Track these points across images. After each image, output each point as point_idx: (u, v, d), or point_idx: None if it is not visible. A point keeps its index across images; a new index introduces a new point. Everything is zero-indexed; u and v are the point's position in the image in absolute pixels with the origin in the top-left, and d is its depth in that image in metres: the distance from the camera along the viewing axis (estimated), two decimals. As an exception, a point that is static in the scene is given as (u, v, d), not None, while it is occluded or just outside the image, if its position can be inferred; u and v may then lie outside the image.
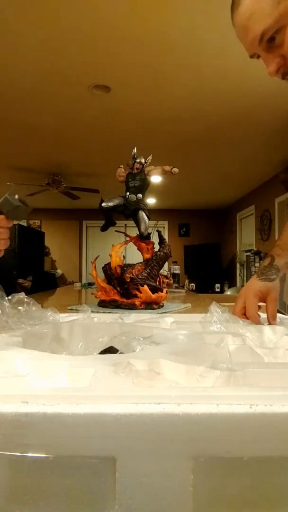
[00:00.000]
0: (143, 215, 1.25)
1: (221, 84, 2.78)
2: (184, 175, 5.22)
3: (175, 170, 1.25)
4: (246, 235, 6.74)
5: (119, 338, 0.59)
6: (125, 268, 1.20)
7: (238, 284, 7.06)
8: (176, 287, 2.72)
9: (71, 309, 1.19)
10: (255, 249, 5.86)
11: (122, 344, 0.58)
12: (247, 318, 0.77)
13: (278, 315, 0.81)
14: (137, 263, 1.23)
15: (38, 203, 7.13)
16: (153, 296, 1.18)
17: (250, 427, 0.31)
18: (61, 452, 0.31)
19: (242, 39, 0.69)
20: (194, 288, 5.13)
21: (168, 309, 1.20)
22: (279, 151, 4.29)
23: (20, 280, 4.82)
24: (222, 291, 6.90)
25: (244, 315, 0.78)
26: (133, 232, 1.30)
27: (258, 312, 0.79)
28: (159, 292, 1.20)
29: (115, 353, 0.56)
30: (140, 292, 1.16)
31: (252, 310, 0.76)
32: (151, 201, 6.91)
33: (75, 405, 0.31)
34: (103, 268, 1.25)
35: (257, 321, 0.74)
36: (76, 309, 1.18)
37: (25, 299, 0.72)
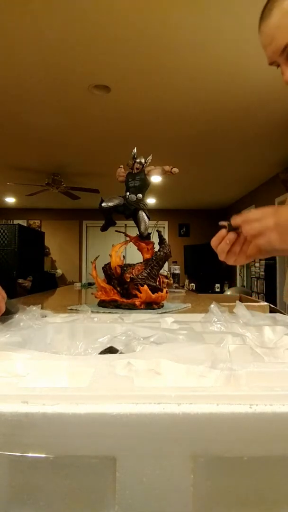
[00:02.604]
0: (143, 215, 1.25)
1: (221, 84, 2.79)
2: (184, 175, 5.22)
3: (175, 170, 1.25)
4: (246, 235, 6.72)
5: (119, 338, 0.59)
6: (125, 268, 1.20)
7: (238, 284, 7.06)
8: (176, 287, 2.71)
9: (71, 309, 1.19)
10: (255, 249, 5.85)
11: (122, 344, 0.58)
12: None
13: (278, 314, 0.81)
14: (137, 263, 1.23)
15: (38, 203, 7.13)
16: (153, 296, 1.17)
17: (250, 427, 0.31)
18: (61, 452, 0.31)
19: (266, 47, 0.76)
20: (194, 288, 5.12)
21: (168, 309, 1.20)
22: (279, 151, 4.29)
23: (20, 280, 4.81)
24: (222, 291, 6.90)
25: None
26: (133, 232, 1.30)
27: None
28: (159, 292, 1.20)
29: (115, 353, 0.56)
30: (140, 292, 1.16)
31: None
32: (151, 201, 6.91)
33: (75, 405, 0.31)
34: (103, 268, 1.25)
35: None
36: (76, 309, 1.18)
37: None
